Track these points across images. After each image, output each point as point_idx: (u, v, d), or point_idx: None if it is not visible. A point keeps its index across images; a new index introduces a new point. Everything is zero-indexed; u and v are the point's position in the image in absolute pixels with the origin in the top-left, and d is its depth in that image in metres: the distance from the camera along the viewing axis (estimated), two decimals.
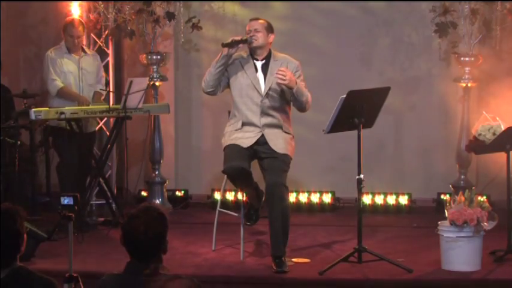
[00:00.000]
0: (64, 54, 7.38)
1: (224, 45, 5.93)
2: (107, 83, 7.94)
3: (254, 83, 5.99)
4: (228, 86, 6.07)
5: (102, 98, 7.59)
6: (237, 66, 6.03)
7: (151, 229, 3.50)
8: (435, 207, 7.93)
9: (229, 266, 5.99)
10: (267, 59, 6.05)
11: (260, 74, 6.03)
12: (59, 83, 7.30)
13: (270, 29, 6.05)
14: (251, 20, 6.09)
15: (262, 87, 5.99)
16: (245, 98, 6.01)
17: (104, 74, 7.72)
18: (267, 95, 5.98)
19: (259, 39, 5.98)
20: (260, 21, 6.05)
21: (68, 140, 7.16)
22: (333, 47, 8.42)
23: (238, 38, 5.95)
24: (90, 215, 7.61)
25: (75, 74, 7.37)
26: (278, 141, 5.95)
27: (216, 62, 5.96)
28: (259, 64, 6.05)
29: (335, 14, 8.40)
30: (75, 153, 7.21)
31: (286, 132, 6.03)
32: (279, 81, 5.78)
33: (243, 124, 6.02)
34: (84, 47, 7.62)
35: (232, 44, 5.92)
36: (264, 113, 5.99)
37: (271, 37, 6.06)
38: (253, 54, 6.06)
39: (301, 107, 6.00)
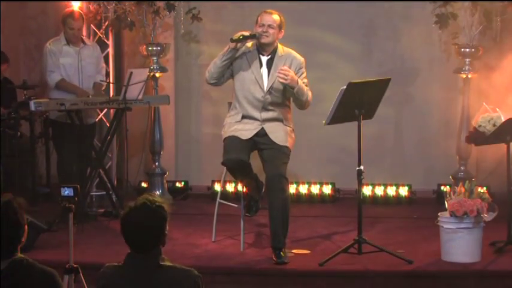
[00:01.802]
0: (63, 46, 7.37)
1: (233, 40, 5.86)
2: (107, 74, 7.94)
3: (257, 78, 5.97)
4: (231, 77, 6.05)
5: (103, 88, 7.57)
6: (242, 59, 5.99)
7: (149, 222, 3.49)
8: (435, 199, 7.94)
9: (229, 257, 6.00)
10: (273, 53, 6.01)
11: (264, 69, 5.99)
12: (57, 75, 7.29)
13: (282, 25, 5.98)
14: (265, 12, 6.00)
15: (265, 83, 5.97)
16: (247, 92, 5.99)
17: (104, 64, 7.71)
18: (270, 91, 5.96)
19: (270, 36, 5.92)
20: (275, 16, 5.96)
21: (66, 136, 7.13)
22: (333, 38, 8.41)
23: (247, 33, 5.89)
24: (90, 206, 7.61)
25: (75, 65, 7.36)
26: (278, 134, 5.95)
27: (223, 55, 5.93)
28: (264, 59, 6.01)
29: (335, 5, 8.38)
30: (74, 149, 7.20)
31: (286, 125, 6.03)
32: (281, 80, 5.77)
33: (243, 117, 6.01)
34: (84, 38, 7.61)
35: (241, 40, 5.88)
36: (265, 108, 5.97)
37: (281, 34, 6.00)
38: (259, 48, 6.01)
39: (301, 106, 5.99)
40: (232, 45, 5.87)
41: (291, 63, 5.96)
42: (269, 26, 5.92)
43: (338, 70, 8.15)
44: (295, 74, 5.88)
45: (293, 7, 8.28)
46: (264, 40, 5.93)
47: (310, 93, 5.96)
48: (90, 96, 7.21)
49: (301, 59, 6.04)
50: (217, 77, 5.99)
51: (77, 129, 7.09)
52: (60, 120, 7.22)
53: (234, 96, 6.09)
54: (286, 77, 5.74)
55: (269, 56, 6.01)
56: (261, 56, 6.01)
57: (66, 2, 7.94)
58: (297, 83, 5.81)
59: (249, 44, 6.00)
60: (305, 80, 5.98)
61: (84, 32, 7.89)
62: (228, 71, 6.01)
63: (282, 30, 6.00)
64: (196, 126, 8.71)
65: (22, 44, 9.01)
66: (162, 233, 3.54)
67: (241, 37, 5.86)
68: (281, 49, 6.04)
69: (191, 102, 8.68)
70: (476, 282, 5.58)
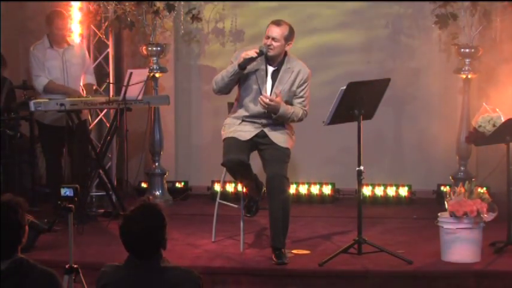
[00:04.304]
0: (47, 49, 7.26)
1: (242, 67, 5.82)
2: (107, 75, 7.92)
3: (261, 88, 5.93)
4: (237, 83, 6.02)
5: (94, 87, 7.54)
6: (249, 68, 5.92)
7: (148, 230, 3.47)
8: (435, 199, 7.94)
9: (229, 258, 6.00)
10: (279, 65, 5.97)
11: (269, 80, 5.97)
12: (44, 79, 7.21)
13: (289, 37, 5.90)
14: (272, 23, 5.92)
15: (268, 94, 5.93)
16: (250, 100, 5.97)
17: (90, 61, 7.62)
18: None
19: (275, 49, 5.88)
20: (281, 28, 5.88)
21: (59, 138, 7.10)
22: (333, 38, 8.41)
23: (253, 54, 5.80)
24: (90, 207, 7.60)
25: (60, 67, 7.26)
26: (279, 135, 5.95)
27: (231, 74, 5.88)
28: (270, 69, 5.97)
29: (336, 5, 8.38)
30: (61, 155, 7.17)
31: (287, 128, 6.02)
32: (262, 104, 5.77)
33: (244, 120, 6.00)
34: (68, 38, 7.51)
35: (249, 62, 5.83)
36: (266, 116, 5.96)
37: (289, 46, 5.94)
38: (267, 58, 5.96)
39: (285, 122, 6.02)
40: (241, 68, 5.84)
41: (296, 75, 5.94)
42: (273, 39, 5.86)
43: (338, 70, 8.15)
44: (298, 87, 5.91)
45: (293, 7, 8.29)
46: (269, 53, 5.89)
47: (300, 113, 5.94)
48: (90, 97, 7.19)
49: (307, 71, 6.00)
50: (224, 90, 5.98)
51: (74, 128, 7.05)
52: (55, 124, 7.16)
53: (238, 97, 6.07)
54: (265, 106, 5.77)
55: (275, 67, 5.97)
56: (268, 66, 5.98)
57: (66, 3, 7.93)
58: (278, 110, 5.79)
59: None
60: (305, 95, 5.97)
61: (85, 32, 7.88)
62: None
63: (290, 42, 5.93)
64: (196, 127, 8.71)
65: (22, 44, 9.00)
66: (162, 238, 3.52)
67: (249, 59, 5.79)
68: (289, 58, 5.99)
69: (191, 102, 8.68)
70: (476, 282, 5.58)
